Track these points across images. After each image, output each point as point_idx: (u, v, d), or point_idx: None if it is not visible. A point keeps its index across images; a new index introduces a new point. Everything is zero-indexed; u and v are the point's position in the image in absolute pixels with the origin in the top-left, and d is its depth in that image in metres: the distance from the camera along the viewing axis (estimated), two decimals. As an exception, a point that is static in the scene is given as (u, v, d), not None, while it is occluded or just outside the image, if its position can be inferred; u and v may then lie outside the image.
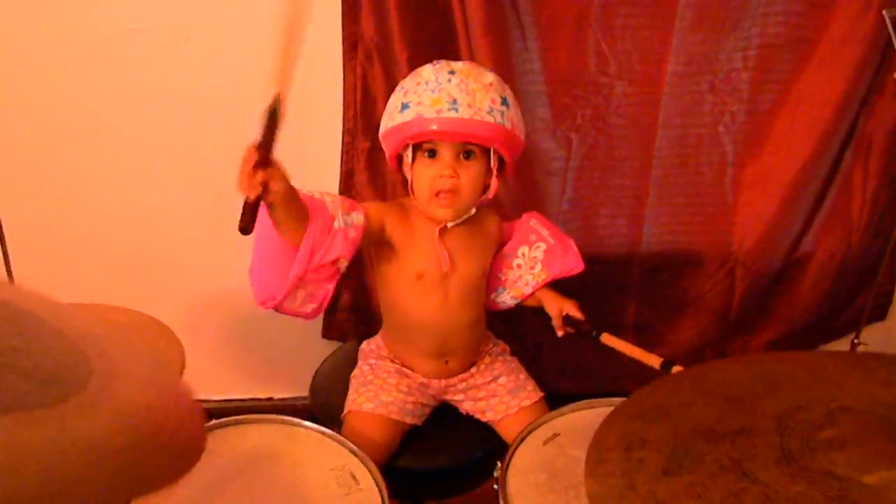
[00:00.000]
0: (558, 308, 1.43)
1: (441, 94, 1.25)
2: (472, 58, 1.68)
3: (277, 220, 1.17)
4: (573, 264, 1.44)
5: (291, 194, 1.15)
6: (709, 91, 1.82)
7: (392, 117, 1.31)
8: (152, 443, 0.71)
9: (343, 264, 1.26)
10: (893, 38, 1.70)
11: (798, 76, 1.81)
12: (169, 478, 0.72)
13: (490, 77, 1.29)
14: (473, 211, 1.37)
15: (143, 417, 0.73)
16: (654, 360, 1.27)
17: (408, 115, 1.27)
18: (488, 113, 1.25)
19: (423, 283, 1.37)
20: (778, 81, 1.83)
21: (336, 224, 1.23)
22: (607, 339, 1.35)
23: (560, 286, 1.48)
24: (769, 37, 1.78)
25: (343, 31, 1.69)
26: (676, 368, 1.22)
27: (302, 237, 1.20)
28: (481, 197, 1.36)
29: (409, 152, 1.32)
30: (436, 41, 1.69)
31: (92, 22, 1.66)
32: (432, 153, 1.30)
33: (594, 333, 1.38)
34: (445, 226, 1.36)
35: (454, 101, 1.24)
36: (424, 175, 1.31)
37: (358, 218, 1.27)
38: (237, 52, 1.72)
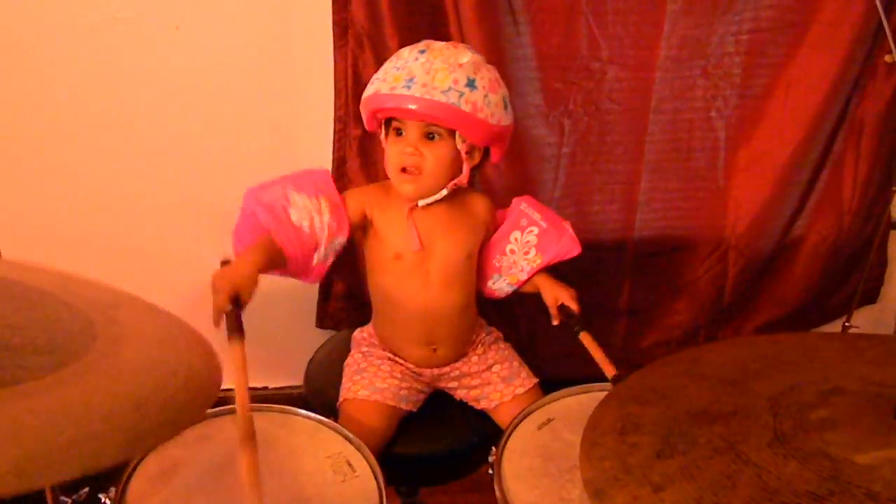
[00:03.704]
0: (554, 297, 1.42)
1: (402, 72, 1.25)
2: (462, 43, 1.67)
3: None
4: (569, 248, 1.43)
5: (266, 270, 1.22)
6: (701, 75, 1.82)
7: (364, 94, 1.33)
8: (157, 397, 0.71)
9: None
10: (884, 20, 1.71)
11: (790, 60, 1.81)
12: (177, 428, 0.72)
13: (466, 58, 1.26)
14: (444, 192, 1.34)
15: (148, 375, 0.74)
16: (609, 371, 1.27)
17: (369, 91, 1.30)
18: (443, 93, 1.22)
19: (402, 264, 1.37)
20: (770, 65, 1.83)
21: (315, 260, 1.29)
22: (584, 337, 1.33)
23: (554, 270, 1.48)
24: (761, 20, 1.78)
25: (333, 16, 1.68)
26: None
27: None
28: (454, 180, 1.34)
29: (383, 130, 1.34)
30: (426, 27, 1.69)
31: (81, 11, 1.64)
32: (399, 132, 1.31)
33: (576, 329, 1.36)
34: (416, 205, 1.35)
35: (411, 80, 1.23)
36: (391, 151, 1.33)
37: (340, 242, 1.32)
38: (227, 41, 1.71)
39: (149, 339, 0.81)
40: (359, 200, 1.36)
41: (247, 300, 1.13)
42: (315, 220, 1.28)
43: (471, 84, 1.24)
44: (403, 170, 1.31)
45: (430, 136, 1.29)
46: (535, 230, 1.44)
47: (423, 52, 1.26)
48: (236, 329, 1.09)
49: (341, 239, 1.32)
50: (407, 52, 1.28)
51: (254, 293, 1.15)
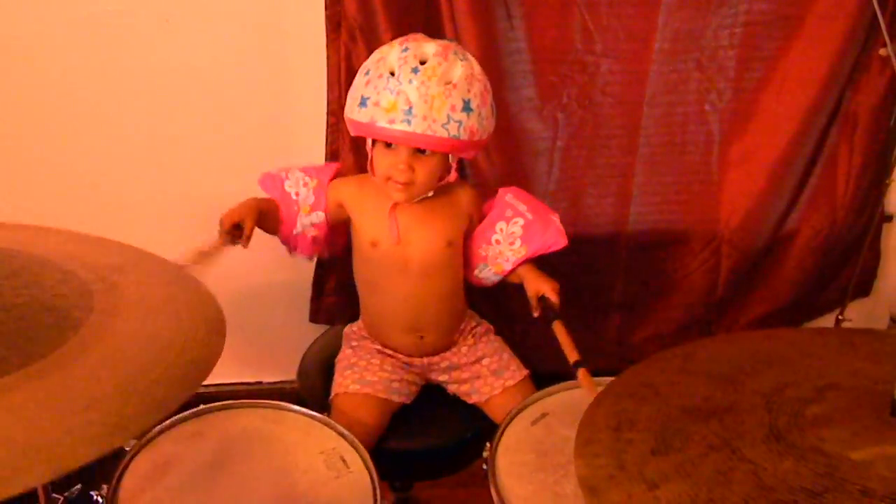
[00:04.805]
0: (535, 289, 1.42)
1: (398, 98, 1.23)
2: (456, 37, 1.66)
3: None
4: (554, 240, 1.43)
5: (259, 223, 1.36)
6: (695, 69, 1.82)
7: (351, 108, 1.31)
8: (145, 376, 0.70)
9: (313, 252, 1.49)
10: (879, 14, 1.70)
11: (784, 53, 1.81)
12: (163, 410, 0.71)
13: (458, 73, 1.25)
14: (431, 193, 1.38)
15: (139, 350, 0.72)
16: (572, 356, 1.26)
17: (363, 116, 1.27)
18: (443, 126, 1.23)
19: (379, 252, 1.39)
20: (764, 59, 1.82)
21: (295, 230, 1.42)
22: (557, 325, 1.32)
23: (548, 265, 1.47)
24: (755, 14, 1.77)
25: (326, 10, 1.67)
26: (582, 371, 1.21)
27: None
28: (442, 181, 1.37)
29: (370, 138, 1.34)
30: (420, 19, 1.67)
31: (70, 3, 1.63)
32: (389, 144, 1.30)
33: (551, 316, 1.35)
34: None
35: (409, 110, 1.22)
36: (381, 161, 1.33)
37: (318, 217, 1.42)
38: (218, 33, 1.70)
39: (148, 307, 0.80)
40: (337, 191, 1.43)
41: (248, 229, 1.31)
42: (301, 192, 1.42)
43: (467, 107, 1.25)
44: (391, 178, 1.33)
45: (421, 151, 1.30)
46: (521, 221, 1.44)
47: (416, 71, 1.23)
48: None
49: (318, 214, 1.42)
50: (397, 64, 1.25)
51: (254, 224, 1.32)
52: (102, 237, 0.94)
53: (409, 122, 1.23)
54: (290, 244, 1.45)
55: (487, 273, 1.49)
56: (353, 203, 1.42)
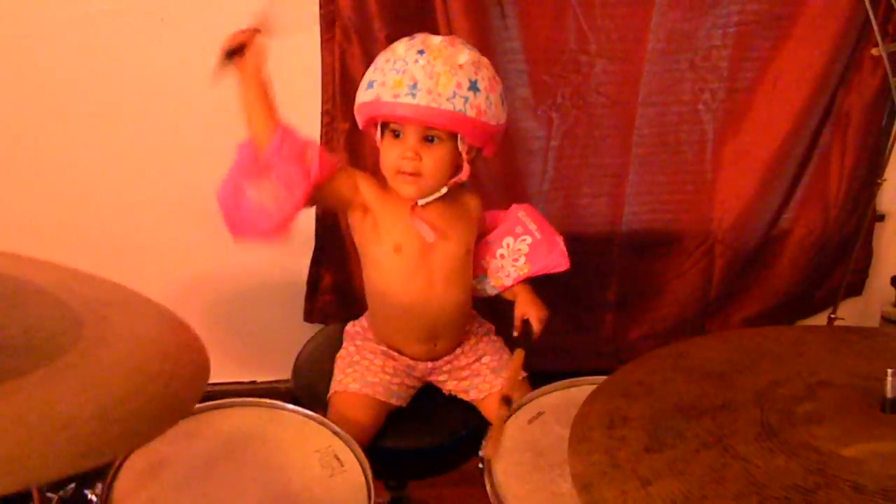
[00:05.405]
0: (523, 311, 1.42)
1: (404, 76, 1.22)
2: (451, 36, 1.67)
3: (244, 103, 1.32)
4: (557, 262, 1.43)
5: (261, 79, 1.30)
6: (688, 69, 1.83)
7: (359, 95, 1.31)
8: (125, 405, 0.70)
9: (313, 161, 1.26)
10: (871, 13, 1.71)
11: (777, 53, 1.82)
12: (140, 438, 0.71)
13: (464, 57, 1.25)
14: (444, 190, 1.35)
15: (122, 380, 0.72)
16: (506, 391, 1.28)
17: (369, 96, 1.27)
18: (448, 100, 1.22)
19: (404, 259, 1.35)
20: (757, 58, 1.83)
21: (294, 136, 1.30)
22: (518, 353, 1.35)
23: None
24: (748, 14, 1.78)
25: (320, 9, 1.67)
26: (504, 408, 1.23)
27: (265, 135, 1.29)
28: (452, 178, 1.34)
29: (378, 129, 1.32)
30: (415, 19, 1.68)
31: (65, 3, 1.62)
32: (397, 133, 1.29)
33: (521, 344, 1.37)
34: (416, 203, 1.35)
35: (414, 85, 1.21)
36: (389, 154, 1.31)
37: (331, 157, 1.31)
38: (212, 32, 1.69)
39: (136, 342, 0.80)
40: (358, 176, 1.35)
41: (247, 61, 1.30)
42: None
43: (473, 87, 1.24)
44: (400, 171, 1.30)
45: (429, 139, 1.28)
46: (529, 240, 1.44)
47: (421, 52, 1.23)
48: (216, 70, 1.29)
49: (334, 155, 1.34)
50: (403, 50, 1.25)
51: (253, 66, 1.30)
52: (97, 275, 0.95)
53: (413, 95, 1.21)
54: (270, 146, 1.27)
55: (485, 285, 1.49)
56: (376, 202, 1.35)
